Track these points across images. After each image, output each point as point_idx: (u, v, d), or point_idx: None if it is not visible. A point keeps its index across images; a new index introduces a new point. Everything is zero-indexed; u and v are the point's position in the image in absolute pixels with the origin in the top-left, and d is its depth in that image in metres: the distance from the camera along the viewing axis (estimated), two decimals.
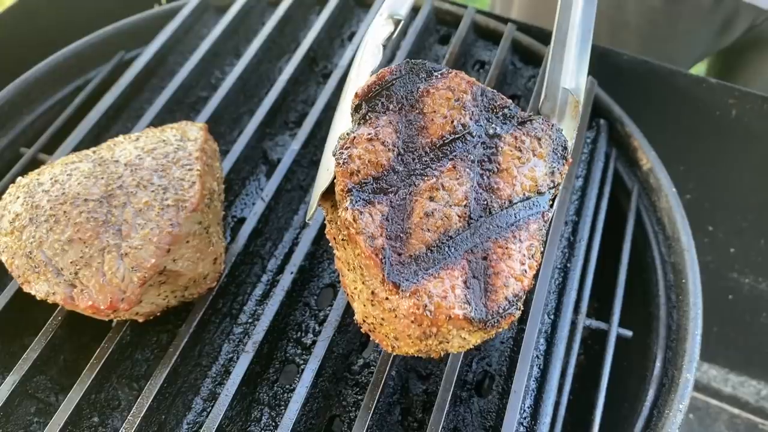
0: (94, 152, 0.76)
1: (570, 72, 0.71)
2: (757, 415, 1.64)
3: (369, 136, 0.59)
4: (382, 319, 0.57)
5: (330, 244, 0.65)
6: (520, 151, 0.61)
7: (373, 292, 0.57)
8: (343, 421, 0.75)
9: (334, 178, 0.59)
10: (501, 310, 0.55)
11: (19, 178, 0.75)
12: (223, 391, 0.71)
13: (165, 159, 0.74)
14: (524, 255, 0.57)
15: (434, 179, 0.58)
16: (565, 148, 0.63)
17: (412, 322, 0.54)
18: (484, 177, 0.59)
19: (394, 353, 0.60)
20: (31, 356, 0.73)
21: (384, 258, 0.54)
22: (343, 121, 0.67)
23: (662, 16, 1.27)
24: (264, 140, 0.97)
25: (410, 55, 1.03)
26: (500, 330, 0.57)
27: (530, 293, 0.79)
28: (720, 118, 1.11)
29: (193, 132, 0.78)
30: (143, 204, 0.70)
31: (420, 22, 1.08)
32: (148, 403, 0.69)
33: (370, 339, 0.81)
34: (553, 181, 0.61)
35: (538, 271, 0.58)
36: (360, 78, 0.70)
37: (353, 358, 0.79)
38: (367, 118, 0.60)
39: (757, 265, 1.32)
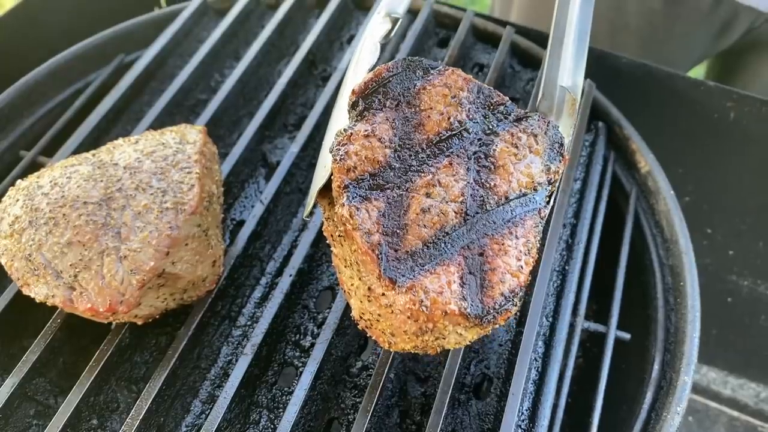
0: (93, 155, 0.77)
1: (567, 70, 0.71)
2: (756, 417, 1.64)
3: (366, 133, 0.59)
4: (379, 315, 0.58)
5: (327, 241, 0.65)
6: (517, 147, 0.61)
7: (369, 288, 0.57)
8: (341, 423, 0.75)
9: (331, 174, 0.59)
10: (497, 306, 0.55)
11: (19, 181, 0.75)
12: (222, 394, 0.71)
13: (164, 162, 0.74)
14: (520, 251, 0.57)
15: (431, 176, 0.58)
16: (562, 144, 0.63)
17: (409, 317, 0.54)
18: (481, 173, 0.59)
19: (391, 349, 0.60)
20: (31, 358, 0.73)
21: (380, 254, 0.55)
22: (340, 118, 0.67)
23: (661, 18, 1.28)
24: (263, 143, 0.98)
25: None
26: (496, 326, 0.57)
27: (528, 296, 0.80)
28: (718, 121, 1.11)
29: (192, 135, 0.79)
30: (142, 207, 0.70)
31: (419, 25, 1.08)
32: (147, 405, 0.69)
33: (368, 342, 0.81)
34: (549, 178, 0.61)
35: (534, 267, 0.59)
36: (357, 75, 0.71)
37: (352, 361, 0.79)
38: (364, 114, 0.60)
39: (755, 268, 1.32)
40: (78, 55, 1.06)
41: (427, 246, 0.56)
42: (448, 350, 0.73)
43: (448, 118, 0.61)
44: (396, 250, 0.55)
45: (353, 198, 0.56)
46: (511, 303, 0.56)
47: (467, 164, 0.60)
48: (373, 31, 0.75)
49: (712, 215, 1.28)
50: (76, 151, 0.90)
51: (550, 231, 0.83)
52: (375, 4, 1.10)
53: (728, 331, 1.50)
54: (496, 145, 0.61)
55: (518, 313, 0.83)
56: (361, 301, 0.60)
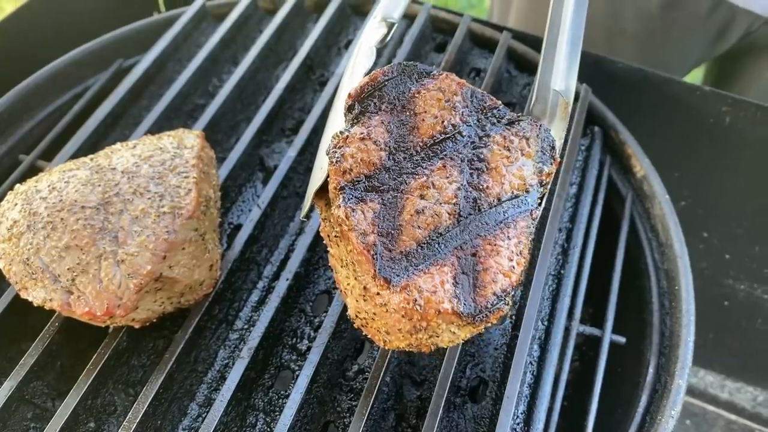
0: (91, 159, 0.77)
1: (560, 74, 0.72)
2: (753, 421, 1.64)
3: (361, 136, 0.60)
4: (374, 313, 0.59)
5: (324, 242, 0.66)
6: (509, 150, 0.62)
7: (365, 288, 0.58)
8: (337, 426, 0.75)
9: (328, 176, 0.60)
10: (489, 305, 0.56)
11: (17, 185, 0.76)
12: (219, 397, 0.72)
13: (162, 166, 0.75)
14: (512, 251, 0.58)
15: (425, 178, 0.60)
16: (553, 147, 0.64)
17: (403, 316, 0.55)
18: (474, 176, 0.61)
19: (386, 347, 0.61)
20: (28, 362, 0.73)
21: (375, 254, 0.56)
22: (337, 121, 0.68)
23: (658, 22, 1.28)
24: (261, 147, 0.98)
25: None
26: (489, 324, 0.58)
27: (524, 299, 0.80)
28: (714, 126, 1.12)
29: (189, 140, 0.79)
30: (140, 211, 0.71)
31: (416, 30, 1.09)
32: (144, 408, 0.70)
33: (365, 345, 0.82)
34: (541, 180, 0.62)
35: (526, 267, 0.59)
36: (353, 79, 0.72)
37: (348, 364, 0.79)
38: (360, 118, 0.62)
39: (752, 272, 1.33)
40: (77, 59, 1.07)
41: (421, 246, 0.57)
42: (444, 352, 0.74)
43: (442, 122, 0.62)
44: (390, 251, 0.56)
45: (349, 199, 0.58)
46: (503, 302, 0.57)
47: (460, 167, 0.61)
48: (369, 35, 0.76)
49: (708, 219, 1.29)
50: (75, 155, 0.91)
51: (546, 235, 0.84)
52: (372, 9, 1.11)
53: (725, 335, 1.51)
54: (489, 148, 0.62)
55: (514, 317, 0.83)
56: (356, 300, 0.61)
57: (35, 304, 0.70)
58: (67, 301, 0.68)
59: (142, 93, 1.04)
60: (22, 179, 0.90)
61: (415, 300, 0.55)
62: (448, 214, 0.58)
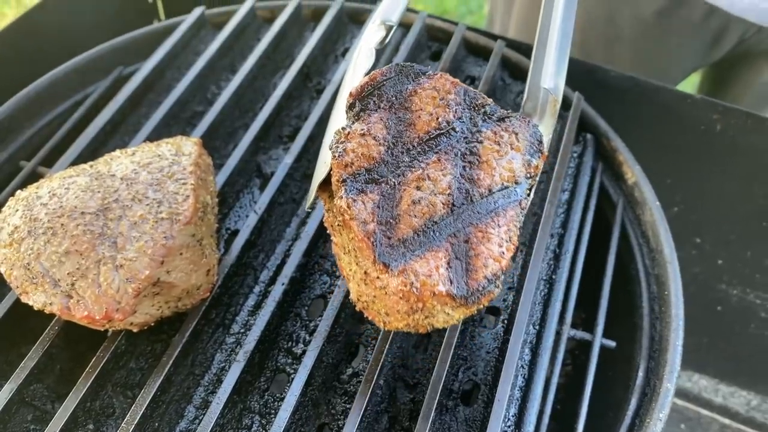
0: (91, 166, 0.79)
1: (549, 74, 0.76)
2: (747, 425, 1.65)
3: (362, 132, 0.64)
4: (374, 296, 0.63)
5: (328, 231, 0.70)
6: (499, 145, 0.66)
7: (365, 272, 0.62)
8: (331, 429, 0.77)
9: (331, 169, 0.64)
10: (481, 288, 0.60)
11: (18, 191, 0.77)
12: (215, 400, 0.73)
13: (160, 173, 0.76)
14: (502, 238, 0.62)
15: (421, 170, 0.64)
16: (541, 142, 0.68)
17: (401, 298, 0.59)
18: (466, 168, 0.65)
19: (386, 328, 0.65)
20: (29, 365, 0.75)
21: (375, 241, 0.60)
22: (338, 118, 0.72)
23: (654, 29, 1.30)
24: (258, 154, 1.00)
25: None
26: (481, 306, 0.61)
27: (515, 304, 0.82)
28: (705, 133, 1.14)
29: (187, 147, 0.81)
30: (138, 217, 0.72)
31: (412, 39, 1.10)
32: (142, 410, 0.71)
33: (359, 349, 0.83)
34: (529, 173, 0.66)
35: (515, 253, 0.63)
36: (354, 79, 0.76)
37: (342, 368, 0.81)
38: (360, 115, 0.66)
39: (744, 277, 1.34)
40: (77, 67, 1.08)
41: (418, 234, 0.61)
42: (437, 356, 0.75)
43: (437, 119, 0.66)
44: (389, 238, 0.60)
45: (350, 191, 0.62)
46: (493, 285, 0.61)
47: (454, 160, 0.65)
48: (369, 37, 0.80)
49: (700, 225, 1.30)
50: (75, 161, 0.92)
51: (538, 240, 0.85)
52: (370, 16, 1.13)
53: (719, 340, 1.52)
54: (481, 143, 0.66)
55: (505, 321, 0.85)
56: (358, 285, 0.65)
57: (35, 308, 0.71)
58: (66, 305, 0.69)
59: (141, 100, 1.05)
60: (23, 185, 0.91)
61: (412, 283, 0.58)
62: (443, 204, 0.62)
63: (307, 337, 0.82)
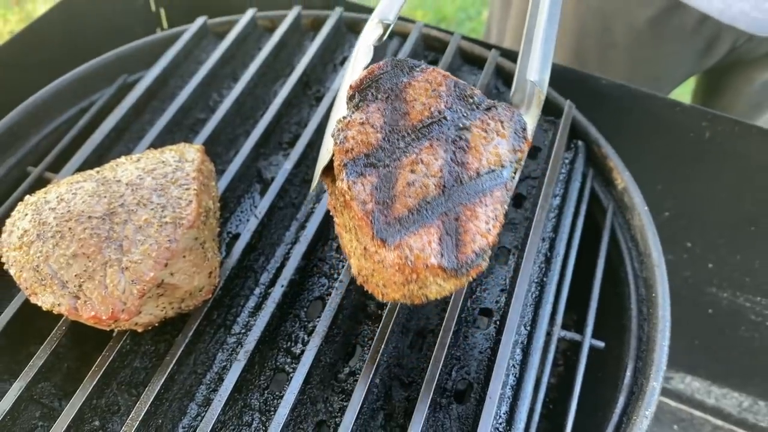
0: (97, 172, 0.81)
1: (535, 68, 0.81)
2: (739, 426, 1.67)
3: (361, 121, 0.70)
4: (373, 270, 0.67)
5: (331, 213, 0.75)
6: (486, 132, 0.71)
7: (365, 248, 0.67)
8: (329, 426, 0.79)
9: (333, 155, 0.70)
10: (470, 261, 0.65)
11: (27, 196, 0.80)
12: (216, 397, 0.76)
13: (164, 179, 0.79)
14: (489, 217, 0.67)
15: (415, 155, 0.68)
16: (525, 129, 0.73)
17: (397, 270, 0.64)
18: (456, 153, 0.69)
19: (384, 300, 0.69)
20: (37, 363, 0.77)
21: (373, 219, 0.65)
22: (340, 109, 0.77)
23: (647, 37, 1.33)
24: (258, 160, 1.03)
25: None
26: (470, 278, 0.66)
27: (507, 306, 0.84)
28: (695, 140, 1.16)
29: (190, 153, 0.83)
30: (143, 221, 0.75)
31: (409, 48, 1.13)
32: (146, 408, 0.73)
33: (356, 349, 0.86)
34: (514, 157, 0.71)
35: (500, 230, 0.68)
36: (354, 73, 0.81)
37: (340, 367, 0.83)
38: (360, 105, 0.71)
39: (734, 280, 1.36)
40: (83, 75, 1.11)
41: (412, 213, 0.65)
42: (431, 355, 0.78)
43: (429, 108, 0.71)
44: (386, 216, 0.65)
45: (351, 174, 0.67)
46: (481, 258, 0.65)
47: (445, 146, 0.70)
48: (367, 35, 0.84)
49: (690, 230, 1.33)
50: (81, 167, 0.95)
51: (529, 244, 0.88)
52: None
53: (710, 342, 1.55)
54: (469, 130, 0.71)
55: (498, 322, 0.87)
56: (358, 260, 0.70)
57: (44, 309, 0.73)
58: (74, 306, 0.72)
59: (145, 108, 1.08)
60: (30, 190, 0.94)
61: (407, 257, 0.63)
62: (435, 185, 0.67)
63: (306, 338, 0.85)
